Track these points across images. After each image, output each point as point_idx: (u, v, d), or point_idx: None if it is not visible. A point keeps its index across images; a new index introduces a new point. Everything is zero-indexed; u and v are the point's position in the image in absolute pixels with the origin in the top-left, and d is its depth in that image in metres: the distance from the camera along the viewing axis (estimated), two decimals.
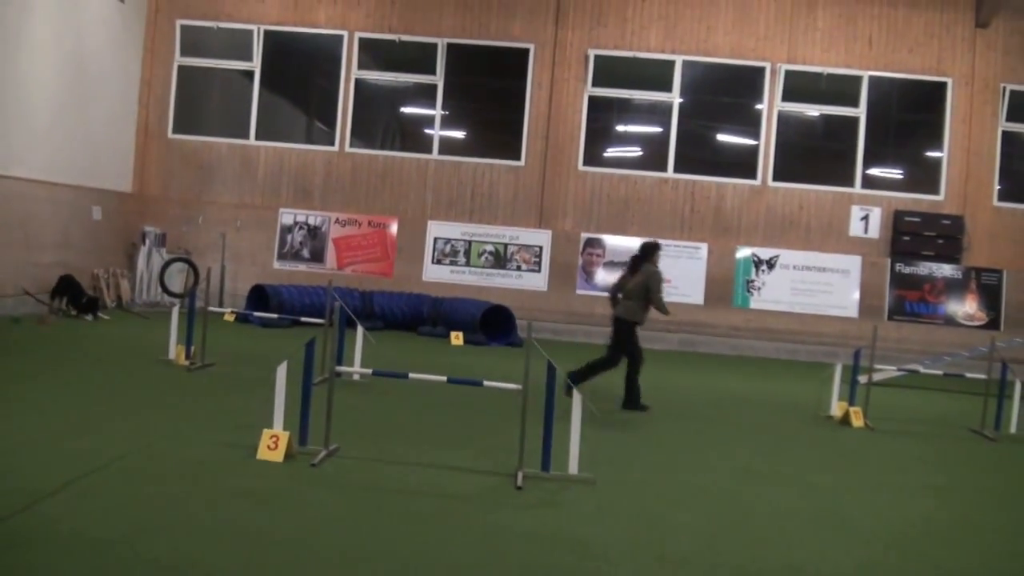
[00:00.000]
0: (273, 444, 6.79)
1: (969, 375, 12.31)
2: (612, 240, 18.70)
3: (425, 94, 19.46)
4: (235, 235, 19.07)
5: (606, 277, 18.63)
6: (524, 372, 6.71)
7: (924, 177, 19.23)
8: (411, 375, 7.20)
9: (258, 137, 19.42)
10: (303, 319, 12.98)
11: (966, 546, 6.00)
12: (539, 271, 18.79)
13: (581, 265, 18.75)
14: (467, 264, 18.89)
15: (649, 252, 10.89)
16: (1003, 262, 18.90)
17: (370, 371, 7.75)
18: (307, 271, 18.79)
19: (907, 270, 18.45)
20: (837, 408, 10.67)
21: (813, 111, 19.15)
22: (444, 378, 7.36)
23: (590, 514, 6.03)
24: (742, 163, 19.02)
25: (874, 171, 19.09)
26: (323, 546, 4.99)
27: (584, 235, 18.79)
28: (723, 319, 18.30)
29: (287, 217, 19.16)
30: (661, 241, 18.24)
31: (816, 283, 18.24)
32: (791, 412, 11.09)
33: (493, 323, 16.79)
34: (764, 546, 5.64)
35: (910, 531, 6.26)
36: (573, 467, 6.77)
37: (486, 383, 7.07)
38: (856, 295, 18.25)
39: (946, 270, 18.44)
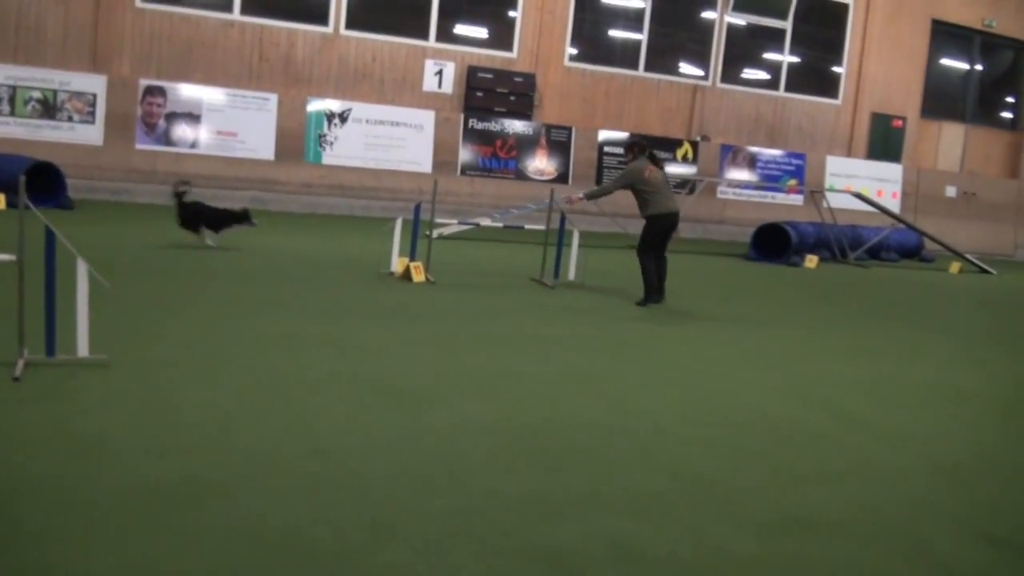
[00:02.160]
0: None
1: (529, 227, 12.77)
2: (175, 88, 17.19)
3: None
4: None
5: (170, 129, 17.19)
6: (19, 239, 5.71)
7: (498, 35, 19.55)
8: None
9: None
10: None
11: (498, 396, 6.01)
12: (93, 123, 16.92)
13: (140, 116, 17.12)
14: (11, 114, 16.55)
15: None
16: (572, 120, 19.90)
17: None
18: None
19: (480, 126, 18.79)
20: (398, 264, 10.54)
21: None
22: None
23: (97, 403, 5.27)
24: (314, 10, 18.16)
25: (449, 26, 19.07)
26: None
27: (143, 82, 17.10)
28: (295, 175, 17.63)
29: None
30: (227, 91, 17.12)
31: (390, 138, 18.06)
32: (355, 271, 10.81)
33: (42, 182, 14.90)
34: (287, 419, 5.22)
35: (446, 385, 6.17)
36: (83, 349, 5.93)
37: None
38: (430, 150, 18.33)
39: (518, 126, 19.02)
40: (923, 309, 12.93)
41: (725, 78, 21.62)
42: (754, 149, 21.21)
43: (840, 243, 17.97)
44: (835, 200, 19.21)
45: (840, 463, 5.49)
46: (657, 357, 7.82)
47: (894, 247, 19.66)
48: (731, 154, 20.96)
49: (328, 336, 7.36)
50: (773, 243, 17.08)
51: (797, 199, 21.23)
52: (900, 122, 24.04)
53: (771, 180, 21.17)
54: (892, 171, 23.06)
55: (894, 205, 22.37)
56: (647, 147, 10.39)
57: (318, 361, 6.55)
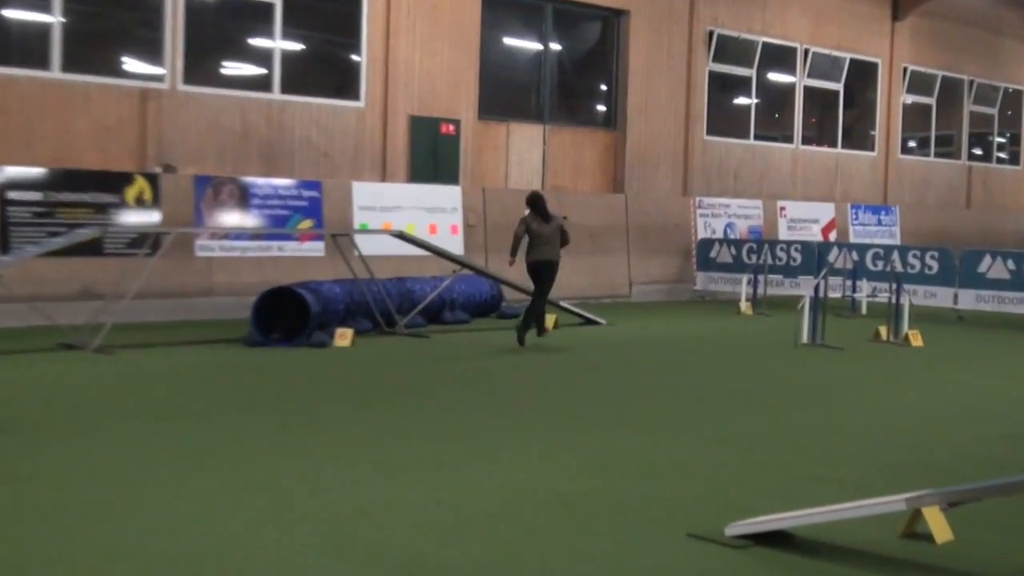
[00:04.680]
0: None
1: None
2: None
3: None
4: None
5: None
6: None
7: None
8: None
9: None
10: None
11: None
12: None
13: None
14: None
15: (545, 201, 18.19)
16: None
17: None
18: None
19: None
20: None
21: None
22: None
23: None
24: None
25: None
26: None
27: None
28: None
29: None
30: None
31: None
32: None
33: None
34: None
35: None
36: None
37: None
38: None
39: None
40: (500, 389, 13.65)
41: (191, 77, 21.64)
42: (246, 179, 21.40)
43: (384, 306, 18.51)
44: (370, 245, 19.80)
45: None
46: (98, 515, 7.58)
47: (461, 302, 20.63)
48: (211, 189, 20.97)
49: None
50: (285, 316, 17.23)
51: (315, 248, 21.67)
52: (452, 127, 25.42)
53: (275, 223, 21.45)
54: (448, 196, 24.26)
55: (455, 243, 23.52)
56: (540, 201, 17.90)
57: None
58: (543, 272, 17.63)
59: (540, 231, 17.54)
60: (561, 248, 17.79)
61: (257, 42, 22.85)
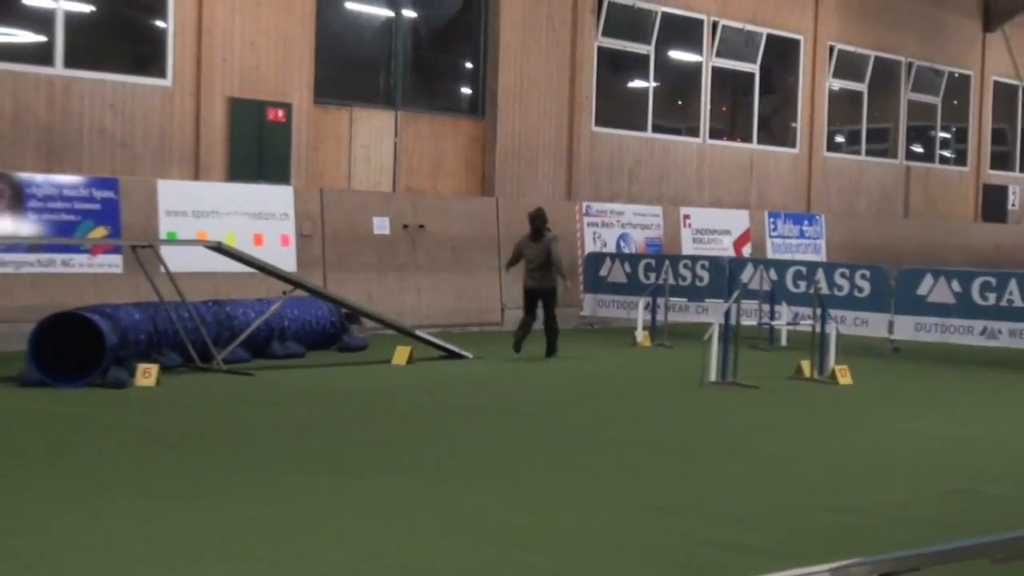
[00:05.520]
0: None
1: None
2: None
3: None
4: None
5: None
6: None
7: None
8: None
9: None
10: None
11: None
12: None
13: None
14: None
15: (545, 219, 21.28)
16: None
17: None
18: None
19: None
20: None
21: None
22: None
23: None
24: None
25: None
26: None
27: None
28: None
29: None
30: None
31: None
32: None
33: None
34: None
35: None
36: None
37: None
38: None
39: None
40: (342, 440, 13.74)
41: None
42: (21, 176, 21.17)
43: (198, 336, 18.40)
44: (180, 259, 19.70)
45: None
46: None
47: (294, 331, 20.56)
48: None
49: None
50: (73, 349, 17.03)
51: (111, 262, 21.41)
52: (281, 113, 25.28)
53: (59, 231, 21.22)
54: (277, 198, 24.13)
55: (286, 257, 23.42)
56: (534, 220, 21.16)
57: None
58: (533, 301, 21.14)
59: (528, 254, 20.96)
60: (554, 270, 20.93)
61: (34, 1, 22.62)
